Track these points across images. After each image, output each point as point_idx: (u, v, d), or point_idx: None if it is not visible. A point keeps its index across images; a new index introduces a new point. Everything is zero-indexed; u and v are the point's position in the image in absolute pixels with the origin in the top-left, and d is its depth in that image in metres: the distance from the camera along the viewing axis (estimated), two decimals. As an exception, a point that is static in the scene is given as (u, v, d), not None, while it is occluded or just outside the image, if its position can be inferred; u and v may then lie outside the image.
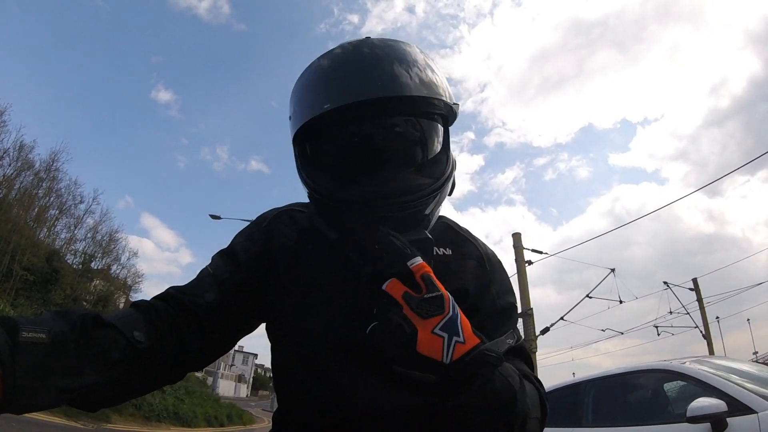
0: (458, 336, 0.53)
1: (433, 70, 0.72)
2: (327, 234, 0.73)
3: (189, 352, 0.72)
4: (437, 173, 0.70)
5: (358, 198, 0.67)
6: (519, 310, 0.88)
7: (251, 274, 0.77)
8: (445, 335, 0.52)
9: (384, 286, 0.56)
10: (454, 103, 0.73)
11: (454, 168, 0.73)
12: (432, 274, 0.56)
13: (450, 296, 0.55)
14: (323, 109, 0.67)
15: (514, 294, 0.81)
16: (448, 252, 0.76)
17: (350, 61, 0.70)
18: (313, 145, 0.75)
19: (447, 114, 0.74)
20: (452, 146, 0.74)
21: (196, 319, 0.72)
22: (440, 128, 0.74)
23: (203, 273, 0.79)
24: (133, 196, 56.70)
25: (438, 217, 0.82)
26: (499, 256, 0.85)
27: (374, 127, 0.69)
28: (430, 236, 0.64)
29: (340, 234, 0.71)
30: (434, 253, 0.71)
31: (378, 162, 0.69)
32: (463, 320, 0.55)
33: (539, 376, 0.73)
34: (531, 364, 0.76)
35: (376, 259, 0.60)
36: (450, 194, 0.76)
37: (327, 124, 0.70)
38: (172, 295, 0.75)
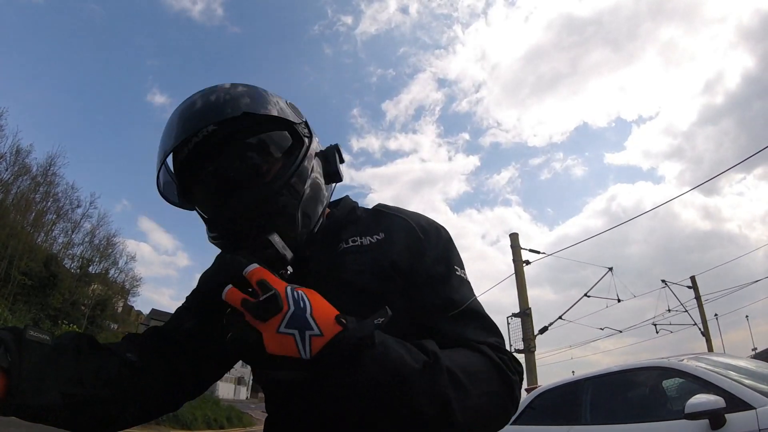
0: (311, 329, 0.50)
1: (261, 95, 0.76)
2: None
3: (181, 378, 0.77)
4: (282, 176, 0.72)
5: (221, 231, 0.75)
6: (470, 282, 0.80)
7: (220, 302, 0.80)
8: (295, 332, 0.50)
9: (223, 296, 0.53)
10: (296, 122, 0.78)
11: (302, 170, 0.75)
12: (267, 277, 0.54)
13: (289, 291, 0.53)
14: (162, 159, 0.73)
15: (452, 259, 0.78)
16: (381, 236, 0.77)
17: (178, 111, 0.75)
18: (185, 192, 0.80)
19: (281, 126, 0.77)
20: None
21: (181, 347, 0.77)
22: (276, 139, 0.77)
23: (178, 310, 0.85)
24: (129, 199, 56.45)
25: (372, 208, 0.86)
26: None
27: (205, 165, 0.74)
28: (269, 237, 0.64)
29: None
30: (368, 242, 0.76)
31: (226, 190, 0.73)
32: (318, 310, 0.52)
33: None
34: (488, 326, 0.73)
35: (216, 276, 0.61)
36: (333, 182, 0.82)
37: (179, 170, 0.77)
38: (154, 329, 0.81)
